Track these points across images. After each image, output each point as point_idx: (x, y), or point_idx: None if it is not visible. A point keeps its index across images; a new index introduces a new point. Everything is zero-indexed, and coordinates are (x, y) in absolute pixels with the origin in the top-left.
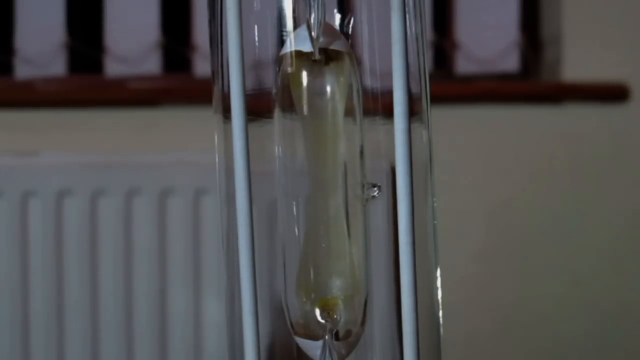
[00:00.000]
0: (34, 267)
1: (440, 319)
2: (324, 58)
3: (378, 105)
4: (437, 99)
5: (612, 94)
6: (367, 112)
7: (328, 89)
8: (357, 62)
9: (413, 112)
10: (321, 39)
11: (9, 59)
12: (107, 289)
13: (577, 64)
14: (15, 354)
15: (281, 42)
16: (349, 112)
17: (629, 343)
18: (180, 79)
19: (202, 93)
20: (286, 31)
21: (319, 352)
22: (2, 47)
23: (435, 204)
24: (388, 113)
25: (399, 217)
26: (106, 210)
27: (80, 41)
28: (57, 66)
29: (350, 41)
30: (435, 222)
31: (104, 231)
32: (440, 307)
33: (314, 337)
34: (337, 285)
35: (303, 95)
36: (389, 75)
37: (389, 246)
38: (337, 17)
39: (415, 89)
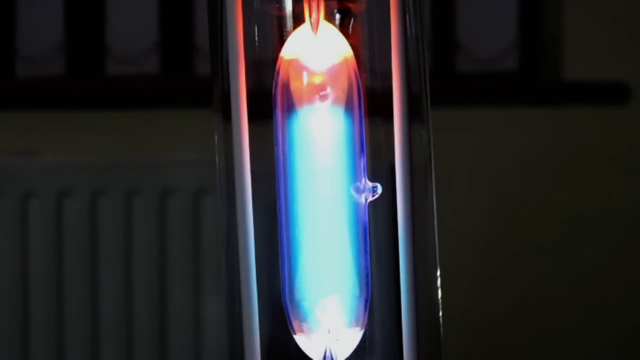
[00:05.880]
0: (34, 267)
1: (440, 319)
2: (324, 58)
3: (378, 105)
4: (437, 99)
5: (613, 93)
6: (368, 112)
7: (328, 89)
8: (357, 62)
9: (413, 112)
10: (321, 39)
11: (9, 59)
12: (107, 289)
13: (577, 63)
14: (15, 353)
15: (281, 42)
16: (349, 112)
17: (636, 343)
18: (180, 79)
19: (202, 93)
20: (286, 31)
21: (319, 352)
22: (3, 47)
23: (435, 204)
24: (388, 113)
25: (399, 217)
26: (106, 210)
27: (81, 41)
28: (57, 66)
29: (350, 41)
30: (435, 222)
31: (104, 231)
32: (440, 307)
33: (314, 337)
34: (337, 285)
35: (303, 95)
36: (389, 75)
37: (389, 246)
38: (337, 17)
39: (415, 89)
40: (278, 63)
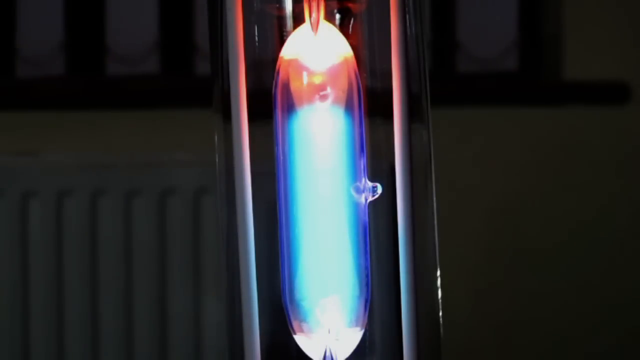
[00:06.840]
0: (34, 267)
1: (440, 319)
2: (324, 58)
3: (378, 105)
4: (437, 99)
5: (613, 93)
6: (368, 112)
7: (328, 89)
8: (357, 62)
9: (413, 112)
10: (321, 39)
11: (9, 59)
12: (107, 289)
13: (578, 63)
14: (15, 353)
15: (281, 42)
16: (349, 112)
17: (636, 344)
18: (180, 79)
19: (202, 93)
20: (286, 31)
21: (319, 352)
22: (3, 47)
23: (435, 204)
24: (388, 113)
25: (399, 217)
26: (106, 210)
27: (81, 41)
28: (57, 66)
29: (350, 41)
30: (435, 222)
31: (104, 231)
32: (441, 307)
33: (314, 337)
34: (337, 285)
35: (303, 95)
36: (389, 75)
37: (389, 246)
38: (337, 17)
39: (415, 89)
40: (278, 63)
